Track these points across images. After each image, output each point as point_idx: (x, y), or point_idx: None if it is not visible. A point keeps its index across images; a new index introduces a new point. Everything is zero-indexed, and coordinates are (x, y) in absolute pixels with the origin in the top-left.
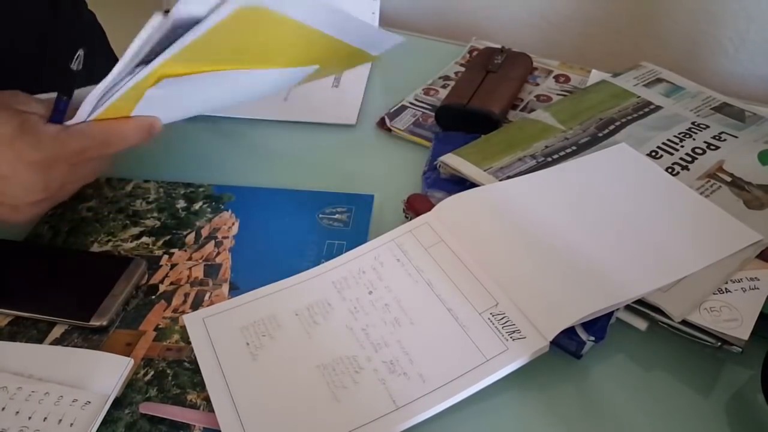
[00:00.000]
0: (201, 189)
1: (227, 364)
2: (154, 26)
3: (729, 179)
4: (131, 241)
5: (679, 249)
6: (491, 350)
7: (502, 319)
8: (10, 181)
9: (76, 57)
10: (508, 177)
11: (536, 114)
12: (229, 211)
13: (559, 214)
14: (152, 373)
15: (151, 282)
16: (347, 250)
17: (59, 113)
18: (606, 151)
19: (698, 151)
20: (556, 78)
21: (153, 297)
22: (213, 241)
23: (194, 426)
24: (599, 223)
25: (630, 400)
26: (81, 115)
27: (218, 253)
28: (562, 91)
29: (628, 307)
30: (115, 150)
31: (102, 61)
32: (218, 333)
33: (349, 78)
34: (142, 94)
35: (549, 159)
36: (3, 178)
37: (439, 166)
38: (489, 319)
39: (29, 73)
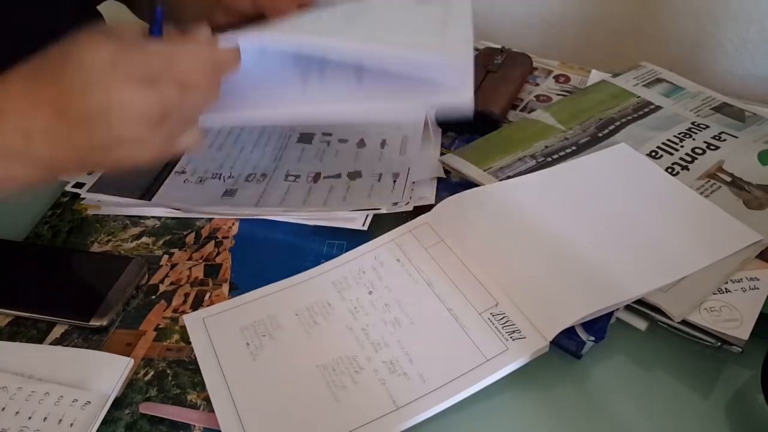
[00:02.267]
0: None
1: (227, 364)
2: None
3: (729, 179)
4: (131, 241)
5: (680, 249)
6: (491, 350)
7: (502, 319)
8: (125, 108)
9: None
10: (508, 177)
11: (536, 114)
12: None
13: (558, 214)
14: (152, 373)
15: (151, 282)
16: (347, 250)
17: (158, 25)
18: (606, 151)
19: (698, 151)
20: (556, 78)
21: (153, 297)
22: (213, 241)
23: (194, 426)
24: (599, 223)
25: (630, 399)
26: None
27: (218, 253)
28: (562, 91)
29: (628, 307)
30: (221, 75)
31: None
32: (218, 333)
33: None
34: None
35: (549, 159)
36: (119, 105)
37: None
38: (489, 319)
39: None
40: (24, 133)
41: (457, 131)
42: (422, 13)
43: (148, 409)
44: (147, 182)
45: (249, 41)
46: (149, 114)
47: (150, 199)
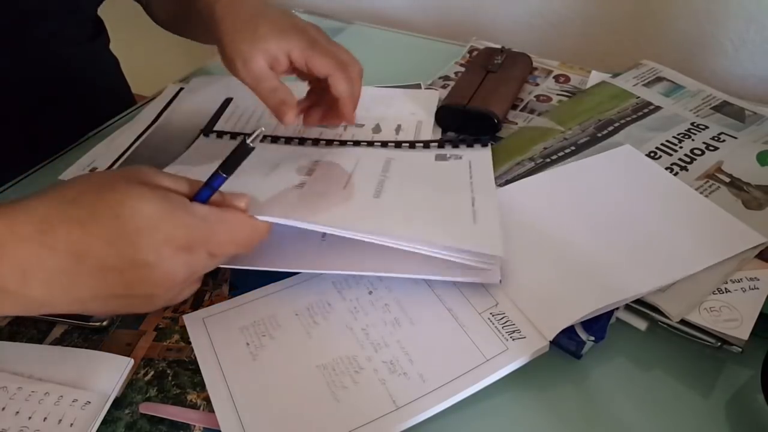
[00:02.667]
0: None
1: (227, 364)
2: None
3: (728, 180)
4: None
5: (682, 249)
6: (491, 350)
7: (502, 318)
8: (153, 270)
9: (255, 134)
10: (507, 182)
11: (535, 121)
12: None
13: (559, 215)
14: (152, 373)
15: None
16: None
17: (209, 192)
18: (609, 153)
19: (697, 151)
20: (556, 78)
21: None
22: None
23: (194, 426)
24: (600, 224)
25: (630, 399)
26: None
27: None
28: (561, 91)
29: (628, 307)
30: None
31: (116, 96)
32: (218, 333)
33: None
34: None
35: (547, 160)
36: (146, 266)
37: None
38: (489, 318)
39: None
40: (22, 272)
41: (457, 131)
42: (445, 181)
43: (148, 409)
44: None
45: (282, 221)
46: (174, 279)
47: None
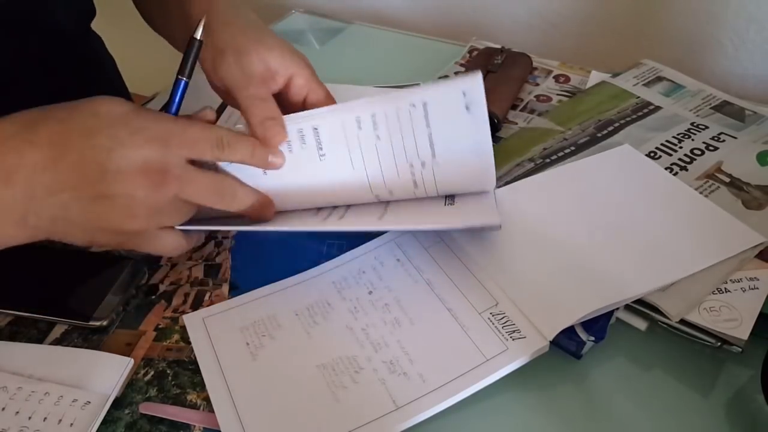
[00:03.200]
0: None
1: (227, 364)
2: None
3: (727, 180)
4: None
5: (682, 249)
6: (491, 350)
7: (502, 318)
8: (125, 158)
9: (199, 24)
10: (507, 183)
11: (535, 122)
12: None
13: (559, 215)
14: (152, 373)
15: (151, 282)
16: (347, 249)
17: (176, 98)
18: (609, 153)
19: (697, 151)
20: (556, 78)
21: (153, 297)
22: (213, 241)
23: (194, 426)
24: (600, 224)
25: (630, 399)
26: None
27: (218, 253)
28: (562, 91)
29: (628, 307)
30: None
31: (111, 86)
32: (218, 333)
33: None
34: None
35: (547, 160)
36: (119, 155)
37: None
38: (489, 318)
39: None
40: (6, 171)
41: None
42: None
43: (148, 409)
44: None
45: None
46: (148, 169)
47: None
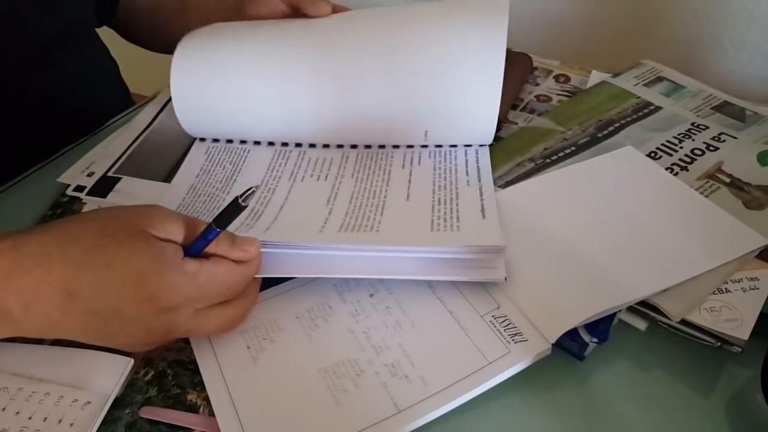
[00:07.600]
0: None
1: (228, 368)
2: None
3: (728, 180)
4: None
5: (685, 251)
6: (493, 353)
7: (504, 321)
8: (134, 324)
9: (248, 191)
10: (507, 183)
11: (535, 122)
12: None
13: (561, 217)
14: (152, 373)
15: None
16: None
17: (203, 244)
18: (611, 154)
19: (697, 152)
20: (556, 78)
21: None
22: None
23: (195, 429)
24: (602, 225)
25: (632, 400)
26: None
27: None
28: (562, 91)
29: (628, 307)
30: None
31: (112, 97)
32: (219, 336)
33: None
34: None
35: (548, 160)
36: (128, 319)
37: None
38: (491, 321)
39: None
40: (25, 302)
41: None
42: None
43: (148, 413)
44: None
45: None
46: (154, 334)
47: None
